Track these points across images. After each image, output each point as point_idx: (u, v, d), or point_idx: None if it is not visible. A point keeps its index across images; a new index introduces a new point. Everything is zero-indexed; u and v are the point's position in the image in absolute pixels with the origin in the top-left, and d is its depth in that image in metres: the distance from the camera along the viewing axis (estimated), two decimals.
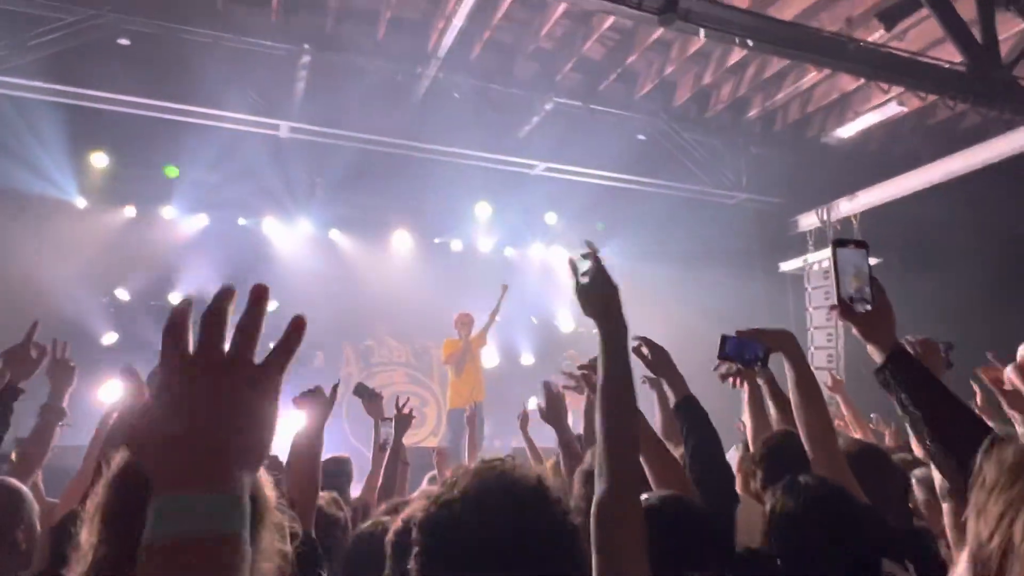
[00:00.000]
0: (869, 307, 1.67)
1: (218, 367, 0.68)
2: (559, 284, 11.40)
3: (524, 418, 4.18)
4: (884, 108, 8.29)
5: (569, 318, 11.71)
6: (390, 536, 1.59)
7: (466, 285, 10.26)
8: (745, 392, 2.92)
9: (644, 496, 1.66)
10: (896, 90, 7.45)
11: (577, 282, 1.56)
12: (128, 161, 8.97)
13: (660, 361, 2.42)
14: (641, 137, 9.55)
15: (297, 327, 0.71)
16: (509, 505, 1.14)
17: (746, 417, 2.96)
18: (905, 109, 8.22)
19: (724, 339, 2.34)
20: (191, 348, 0.69)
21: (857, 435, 3.93)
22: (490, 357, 11.29)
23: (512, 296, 10.65)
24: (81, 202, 9.17)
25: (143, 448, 0.67)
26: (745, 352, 2.34)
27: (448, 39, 7.04)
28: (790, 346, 2.09)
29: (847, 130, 9.02)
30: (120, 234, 9.47)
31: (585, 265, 1.57)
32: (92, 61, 7.36)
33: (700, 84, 8.79)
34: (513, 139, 9.34)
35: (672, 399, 2.39)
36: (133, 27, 7.26)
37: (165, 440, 0.65)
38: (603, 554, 1.27)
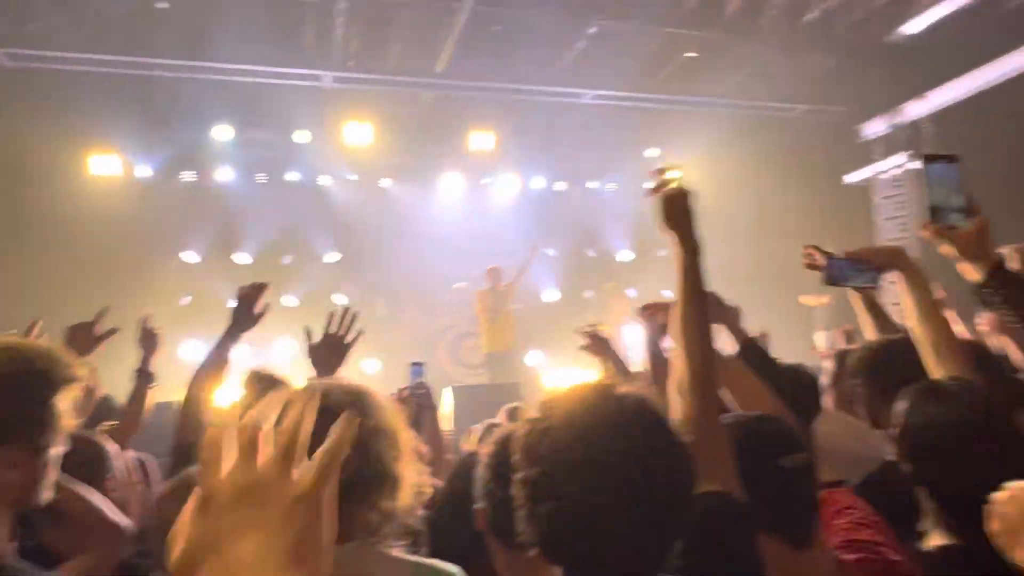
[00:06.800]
0: (965, 223, 1.61)
1: (288, 498, 0.55)
2: (613, 215, 11.23)
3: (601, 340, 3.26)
4: None
5: (627, 249, 11.58)
6: (485, 460, 1.55)
7: (522, 221, 10.24)
8: (859, 305, 2.70)
9: (729, 416, 1.62)
10: None
11: (663, 191, 1.60)
12: (181, 125, 9.11)
13: (718, 313, 2.35)
14: (692, 54, 9.12)
15: (348, 425, 0.61)
16: (620, 430, 1.08)
17: (865, 330, 2.75)
18: None
19: (829, 262, 2.06)
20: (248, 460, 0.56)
21: None
22: (550, 294, 11.30)
23: (566, 231, 10.53)
24: (144, 170, 9.44)
25: None
26: (853, 274, 2.05)
27: None
28: (904, 264, 1.85)
29: (913, 26, 8.40)
30: (181, 198, 9.73)
31: (673, 175, 1.62)
32: (134, 28, 7.41)
33: None
34: (559, 68, 9.05)
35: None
36: None
37: None
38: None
